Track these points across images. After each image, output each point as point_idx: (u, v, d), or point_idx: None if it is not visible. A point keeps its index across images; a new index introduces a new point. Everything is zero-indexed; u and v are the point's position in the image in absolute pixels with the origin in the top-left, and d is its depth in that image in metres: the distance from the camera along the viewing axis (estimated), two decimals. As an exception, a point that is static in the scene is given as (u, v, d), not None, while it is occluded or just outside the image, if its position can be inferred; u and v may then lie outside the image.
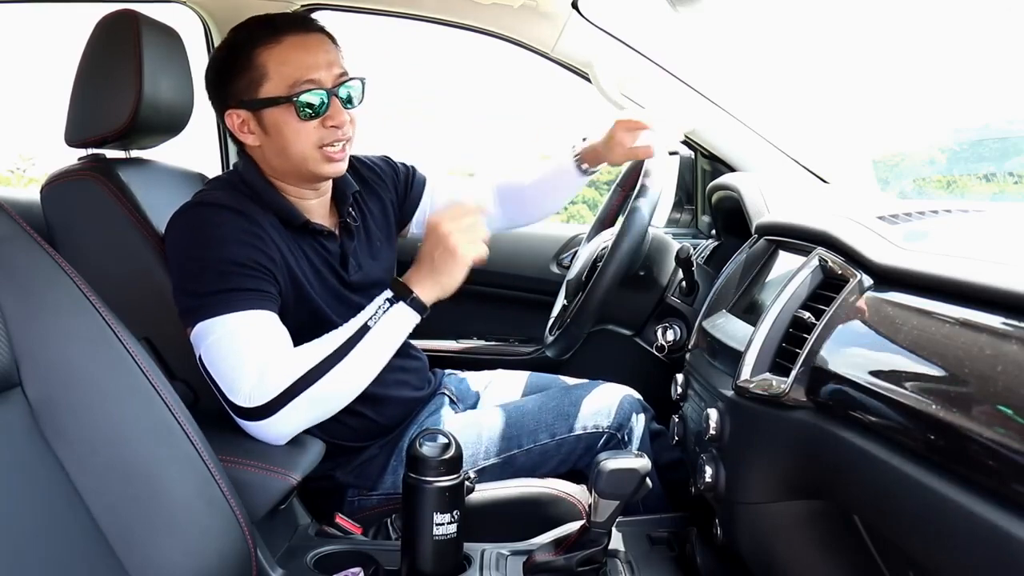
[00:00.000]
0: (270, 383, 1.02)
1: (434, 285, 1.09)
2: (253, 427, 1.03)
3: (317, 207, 1.23)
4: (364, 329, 1.07)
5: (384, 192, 1.36)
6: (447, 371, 1.51)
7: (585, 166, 1.40)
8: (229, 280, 1.06)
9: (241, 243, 1.08)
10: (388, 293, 1.10)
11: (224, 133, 1.93)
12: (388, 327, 1.08)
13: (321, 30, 1.16)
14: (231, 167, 1.27)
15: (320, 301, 1.17)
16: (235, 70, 1.13)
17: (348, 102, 1.15)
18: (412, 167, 1.43)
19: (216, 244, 1.08)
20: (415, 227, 1.44)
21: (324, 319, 1.16)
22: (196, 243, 1.09)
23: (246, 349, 1.03)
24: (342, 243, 1.24)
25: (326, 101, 1.12)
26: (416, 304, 1.09)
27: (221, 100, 1.16)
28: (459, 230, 1.08)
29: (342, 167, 1.18)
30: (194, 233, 1.11)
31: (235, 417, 1.04)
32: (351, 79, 1.15)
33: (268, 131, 1.13)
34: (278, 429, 1.04)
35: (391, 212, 1.36)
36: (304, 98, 1.10)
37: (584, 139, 1.40)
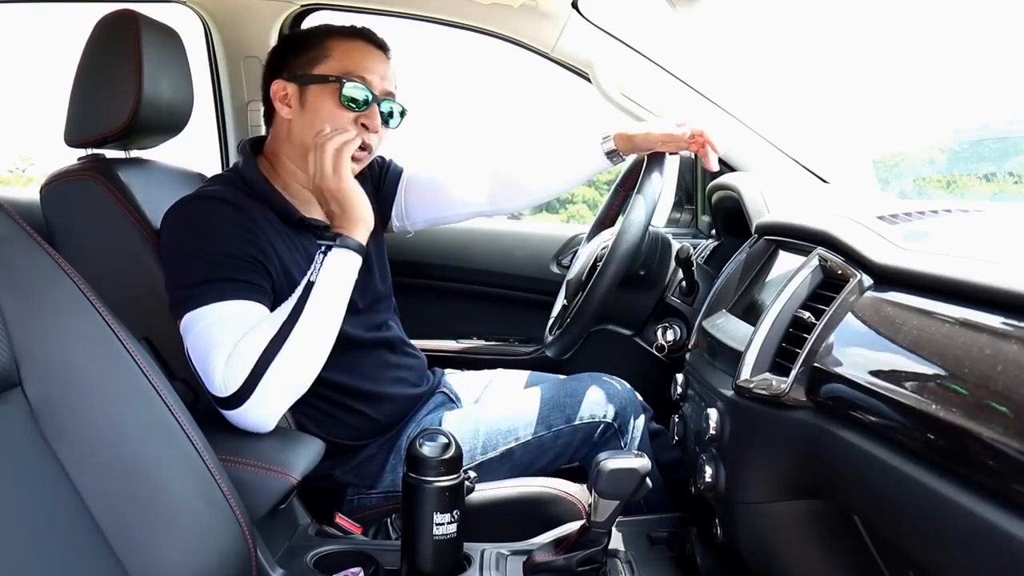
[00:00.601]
0: (236, 368, 1.01)
1: (350, 220, 1.11)
2: (236, 416, 1.03)
3: (313, 201, 1.23)
4: (309, 286, 1.07)
5: (364, 186, 1.36)
6: (447, 371, 1.52)
7: (618, 149, 1.36)
8: (220, 271, 1.06)
9: (234, 235, 1.09)
10: (320, 246, 1.11)
11: (224, 133, 1.93)
12: (331, 275, 1.08)
13: (388, 53, 1.25)
14: (231, 166, 1.28)
15: None
16: (303, 48, 1.21)
17: (386, 117, 1.22)
18: (389, 160, 1.45)
19: (209, 235, 1.09)
20: (396, 220, 1.44)
21: None
22: (189, 235, 1.10)
23: (223, 338, 1.03)
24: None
25: (369, 101, 1.18)
26: (348, 242, 1.10)
27: (274, 71, 1.23)
28: (317, 163, 1.12)
29: (354, 168, 1.19)
30: (188, 225, 1.12)
31: (220, 410, 1.04)
32: (395, 100, 1.23)
33: (305, 105, 1.19)
34: (258, 412, 1.03)
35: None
36: (350, 86, 1.17)
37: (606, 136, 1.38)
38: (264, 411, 1.03)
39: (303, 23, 1.83)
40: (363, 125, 1.19)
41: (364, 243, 1.12)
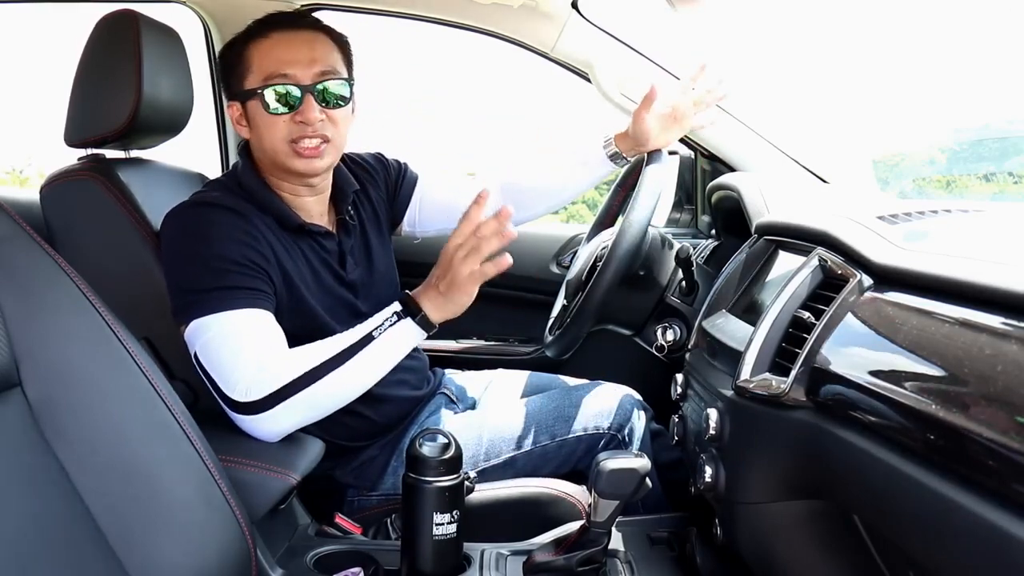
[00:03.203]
0: (267, 379, 1.02)
1: (442, 307, 1.08)
2: (247, 422, 1.03)
3: (314, 205, 1.23)
4: (368, 339, 1.06)
5: (375, 190, 1.36)
6: (447, 371, 1.52)
7: (622, 151, 1.37)
8: (224, 278, 1.06)
9: (236, 241, 1.09)
10: (397, 307, 1.08)
11: (224, 133, 1.93)
12: (392, 340, 1.07)
13: (313, 27, 1.17)
14: (231, 168, 1.27)
15: (315, 302, 1.17)
16: (231, 65, 1.18)
17: (325, 100, 1.13)
18: (404, 164, 1.43)
19: (210, 242, 1.08)
20: (407, 226, 1.43)
21: (319, 321, 1.16)
22: (190, 241, 1.10)
23: (244, 345, 1.03)
24: (340, 241, 1.24)
25: (299, 96, 1.12)
26: (423, 322, 1.08)
27: (224, 93, 1.23)
28: (463, 256, 1.05)
29: (317, 165, 1.16)
30: (188, 231, 1.11)
31: (229, 411, 1.04)
32: (334, 78, 1.14)
33: (251, 123, 1.17)
34: (271, 426, 1.04)
35: (383, 210, 1.36)
36: (269, 91, 1.12)
37: (607, 140, 1.39)
38: (276, 427, 1.05)
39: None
40: (301, 122, 1.12)
41: (437, 325, 1.09)
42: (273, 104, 1.12)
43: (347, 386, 1.07)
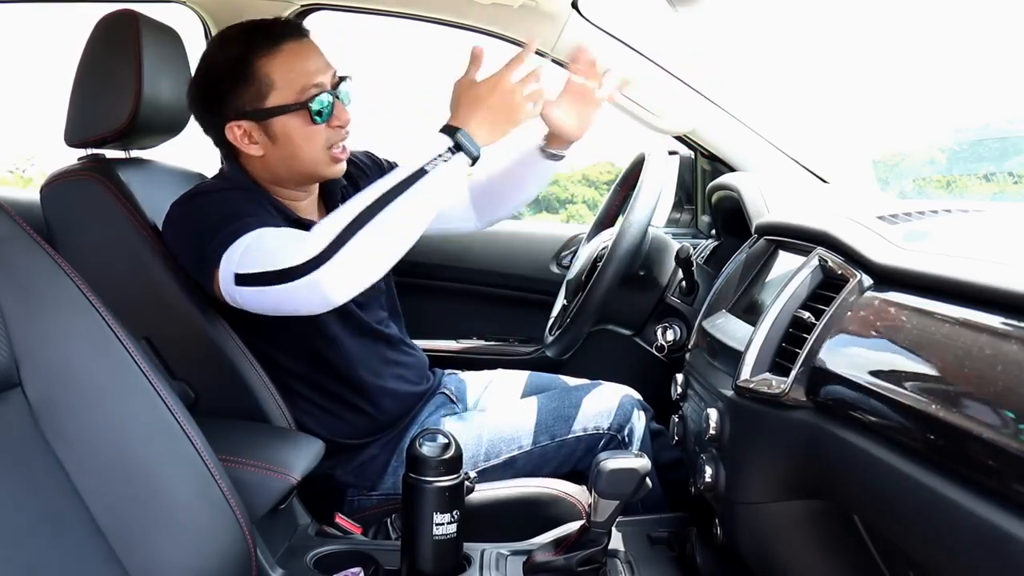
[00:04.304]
0: (319, 233, 0.99)
1: (493, 128, 1.04)
2: (306, 284, 0.98)
3: (306, 205, 1.25)
4: (421, 172, 1.01)
5: (374, 177, 1.36)
6: (447, 371, 1.52)
7: (552, 150, 1.34)
8: (243, 215, 1.06)
9: (242, 201, 1.10)
10: (448, 141, 1.03)
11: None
12: (444, 175, 1.02)
13: (309, 35, 1.18)
14: (218, 172, 1.28)
15: None
16: (236, 82, 1.13)
17: (346, 100, 1.17)
18: (395, 163, 1.43)
19: (217, 206, 1.09)
20: None
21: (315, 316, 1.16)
22: (198, 216, 1.11)
23: (280, 235, 1.03)
24: None
25: (331, 103, 1.15)
26: (476, 151, 1.04)
27: (218, 114, 1.16)
28: (519, 80, 1.04)
29: (344, 167, 1.20)
30: (193, 211, 1.12)
31: (286, 288, 0.99)
32: (344, 78, 1.17)
33: (276, 139, 1.15)
34: (333, 279, 0.98)
35: None
36: (316, 103, 1.12)
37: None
38: (339, 278, 0.99)
39: (303, 24, 1.83)
40: (337, 127, 1.16)
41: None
42: (318, 116, 1.13)
43: (402, 224, 1.01)
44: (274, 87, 1.12)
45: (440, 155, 1.02)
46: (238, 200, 1.11)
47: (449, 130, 1.04)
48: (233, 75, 1.13)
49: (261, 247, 1.03)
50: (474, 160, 1.04)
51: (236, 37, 1.15)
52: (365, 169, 1.37)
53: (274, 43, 1.13)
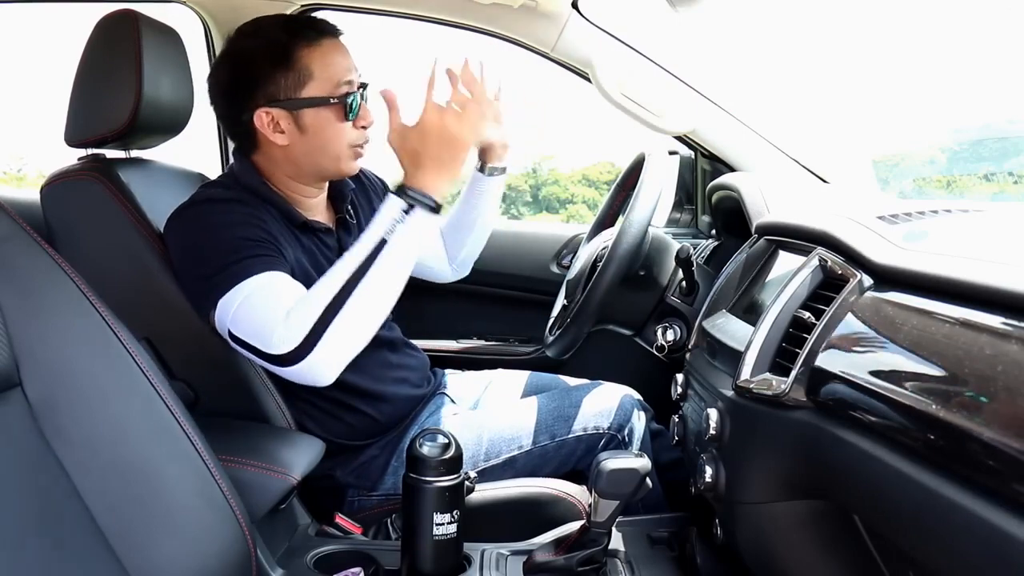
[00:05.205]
0: (296, 323, 1.00)
1: (441, 179, 1.05)
2: (296, 372, 1.02)
3: (315, 205, 1.25)
4: (382, 244, 1.03)
5: (375, 195, 1.39)
6: (447, 371, 1.52)
7: (492, 165, 1.36)
8: (240, 252, 1.06)
9: (245, 224, 1.10)
10: (400, 203, 1.05)
11: (224, 133, 1.93)
12: (406, 238, 1.04)
13: (342, 35, 1.21)
14: (226, 171, 1.28)
15: None
16: (276, 68, 1.14)
17: (367, 101, 1.20)
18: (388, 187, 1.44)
19: (218, 228, 1.09)
20: None
21: None
22: (199, 233, 1.10)
23: (271, 301, 1.03)
24: (339, 238, 1.27)
25: (360, 103, 1.17)
26: (434, 204, 1.05)
27: (249, 98, 1.15)
28: (451, 113, 1.06)
29: (360, 164, 1.22)
30: (195, 225, 1.12)
31: (277, 369, 1.03)
32: (365, 84, 1.20)
33: (306, 131, 1.15)
34: (320, 367, 1.02)
35: None
36: (350, 99, 1.15)
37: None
38: (326, 366, 1.02)
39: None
40: (363, 126, 1.19)
41: (442, 206, 1.06)
42: (350, 112, 1.15)
43: (377, 299, 1.04)
44: (312, 78, 1.14)
45: (396, 220, 1.04)
46: (243, 221, 1.10)
47: (401, 190, 1.06)
48: (273, 60, 1.14)
49: (253, 312, 1.03)
50: (434, 210, 1.05)
51: (274, 25, 1.17)
52: (370, 179, 1.40)
53: (316, 35, 1.15)
